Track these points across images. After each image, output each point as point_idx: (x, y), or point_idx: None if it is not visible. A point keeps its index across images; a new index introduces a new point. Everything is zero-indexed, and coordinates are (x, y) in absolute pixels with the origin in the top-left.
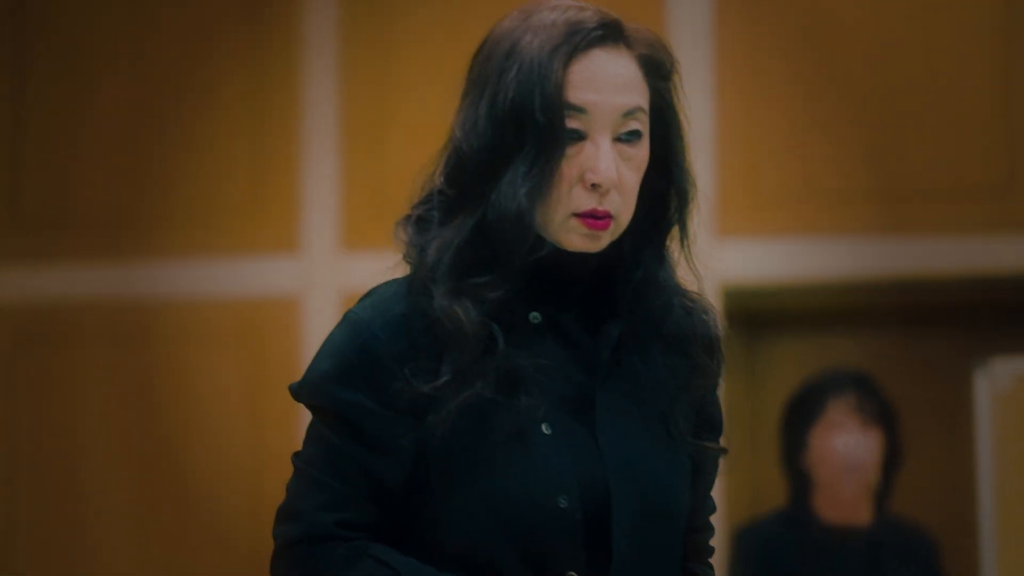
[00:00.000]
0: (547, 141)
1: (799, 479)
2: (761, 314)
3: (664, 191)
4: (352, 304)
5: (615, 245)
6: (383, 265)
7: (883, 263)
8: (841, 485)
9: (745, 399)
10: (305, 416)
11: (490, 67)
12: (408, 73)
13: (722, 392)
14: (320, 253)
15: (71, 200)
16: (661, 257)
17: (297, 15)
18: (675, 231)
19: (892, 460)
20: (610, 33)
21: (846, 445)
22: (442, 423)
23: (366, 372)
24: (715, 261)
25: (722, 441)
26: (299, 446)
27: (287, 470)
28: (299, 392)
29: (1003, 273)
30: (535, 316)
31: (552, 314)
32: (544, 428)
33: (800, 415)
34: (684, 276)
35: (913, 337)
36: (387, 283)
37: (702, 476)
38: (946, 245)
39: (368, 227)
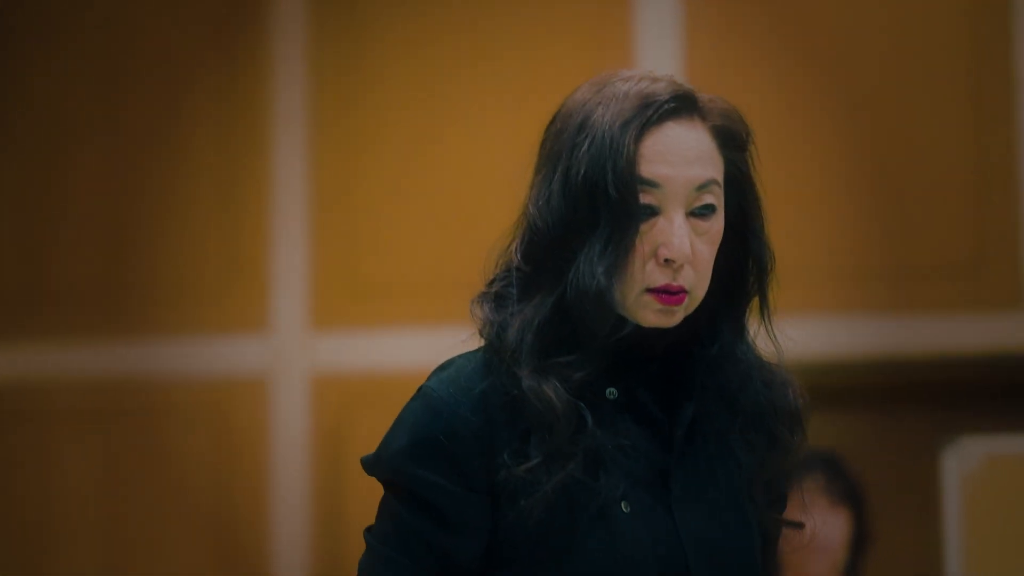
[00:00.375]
0: (621, 217)
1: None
2: None
3: (742, 262)
4: (323, 383)
5: (691, 319)
6: (352, 344)
7: (853, 342)
8: (809, 565)
9: None
10: (277, 500)
11: (562, 141)
12: (379, 152)
13: None
14: (289, 332)
15: (40, 278)
16: (739, 330)
17: (268, 90)
18: (755, 303)
19: (860, 540)
20: (683, 105)
21: (814, 525)
22: (537, 506)
23: (444, 450)
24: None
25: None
26: (268, 526)
27: (256, 550)
28: (373, 466)
29: (972, 352)
30: (612, 392)
31: (629, 390)
32: (624, 507)
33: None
34: (764, 348)
35: (882, 416)
36: (463, 357)
37: (772, 547)
38: (916, 324)
39: (337, 306)
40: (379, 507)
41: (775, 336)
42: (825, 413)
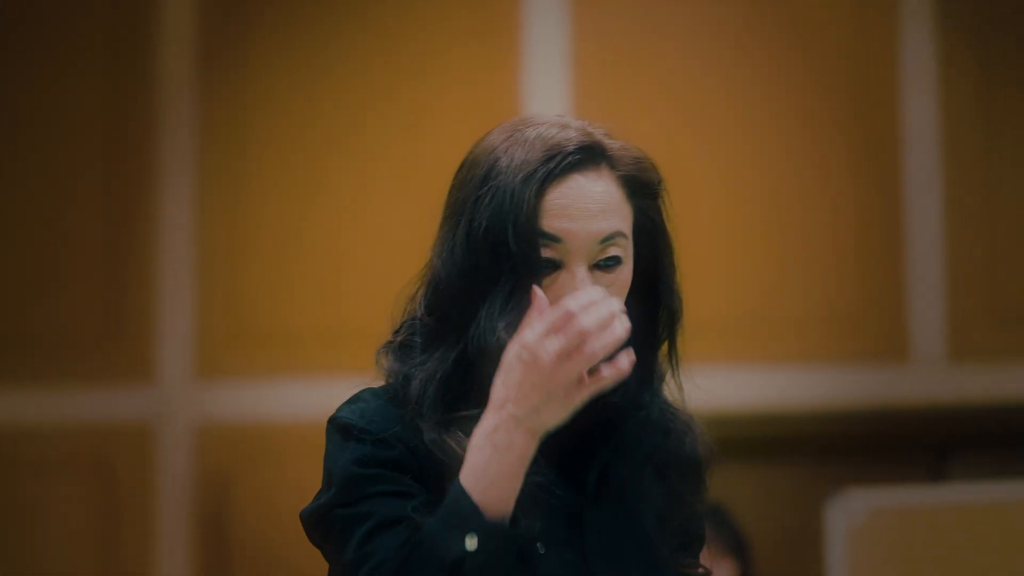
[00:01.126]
0: (523, 272)
1: None
2: None
3: (652, 310)
4: (208, 433)
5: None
6: (238, 393)
7: (739, 394)
8: None
9: None
10: (162, 550)
11: (467, 191)
12: (265, 201)
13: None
14: (174, 382)
15: None
16: (645, 377)
17: (155, 137)
18: (664, 349)
19: None
20: (590, 155)
21: None
22: None
23: (385, 461)
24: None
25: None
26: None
27: None
28: (314, 511)
29: (858, 405)
30: None
31: None
32: (539, 547)
33: None
34: (672, 396)
35: (768, 468)
36: (370, 393)
37: None
38: (802, 376)
39: (223, 356)
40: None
41: (681, 384)
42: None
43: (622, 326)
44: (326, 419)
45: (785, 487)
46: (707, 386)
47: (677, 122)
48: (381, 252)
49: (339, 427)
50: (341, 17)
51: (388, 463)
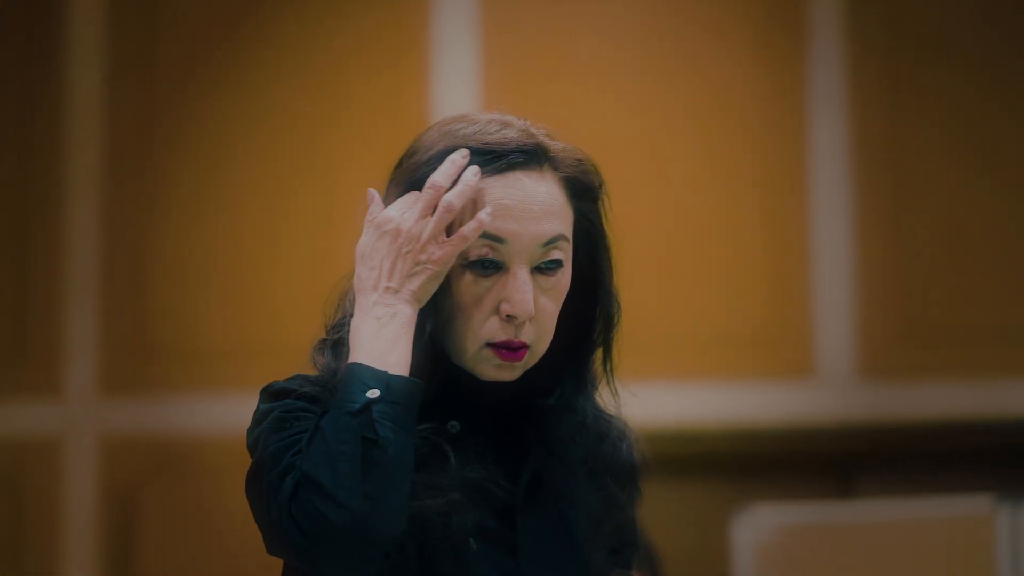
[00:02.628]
0: (453, 268)
1: None
2: None
3: (589, 313)
4: (114, 448)
5: (534, 367)
6: (144, 409)
7: (645, 411)
8: None
9: None
10: (67, 565)
11: (400, 185)
12: (170, 217)
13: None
14: (80, 397)
15: None
16: (580, 382)
17: (62, 154)
18: (598, 354)
19: None
20: (533, 156)
21: None
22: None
23: (314, 408)
24: None
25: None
26: None
27: None
28: (251, 467)
29: (765, 422)
30: (453, 425)
31: (472, 428)
32: (472, 543)
33: None
34: (605, 400)
35: (676, 485)
36: (303, 377)
37: None
38: (709, 393)
39: (129, 371)
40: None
41: (616, 389)
42: None
43: (472, 173)
44: (231, 434)
45: (694, 503)
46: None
47: (579, 142)
48: (287, 269)
49: (273, 391)
50: (249, 27)
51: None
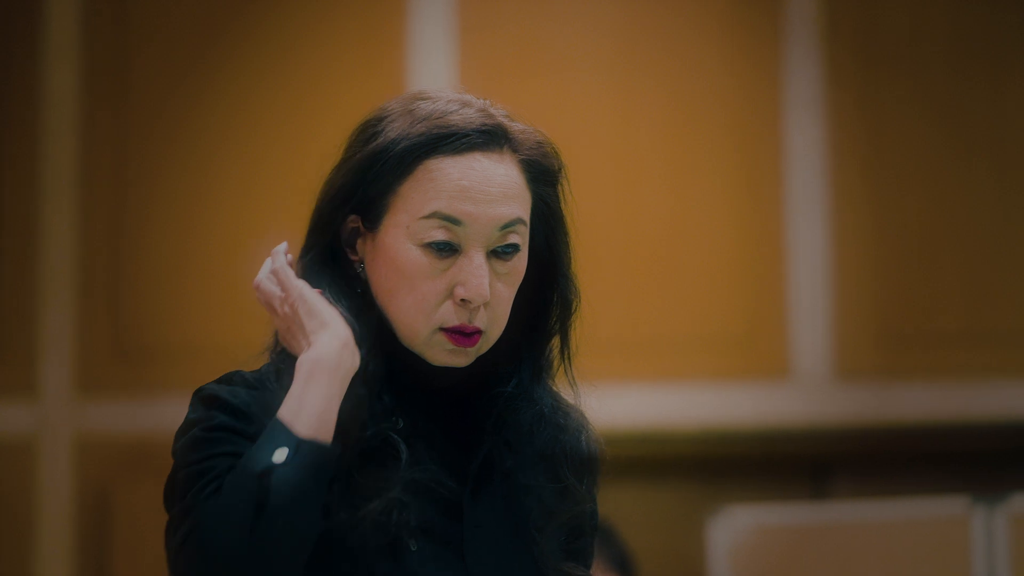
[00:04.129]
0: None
1: None
2: None
3: (547, 300)
4: (89, 448)
5: (485, 356)
6: (119, 409)
7: (622, 412)
8: None
9: None
10: (42, 565)
11: (348, 152)
12: (148, 216)
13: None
14: (55, 397)
15: None
16: (538, 370)
17: (38, 152)
18: (555, 341)
19: None
20: (493, 138)
21: None
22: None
23: (239, 426)
24: None
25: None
26: None
27: None
28: (167, 480)
29: (741, 424)
30: (398, 421)
31: (418, 422)
32: (412, 545)
33: None
34: (562, 389)
35: (651, 487)
36: (240, 376)
37: None
38: (685, 395)
39: (104, 371)
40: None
41: (574, 378)
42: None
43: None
44: None
45: (669, 505)
46: (597, 399)
47: (555, 141)
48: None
49: (204, 397)
50: (228, 29)
51: (244, 434)
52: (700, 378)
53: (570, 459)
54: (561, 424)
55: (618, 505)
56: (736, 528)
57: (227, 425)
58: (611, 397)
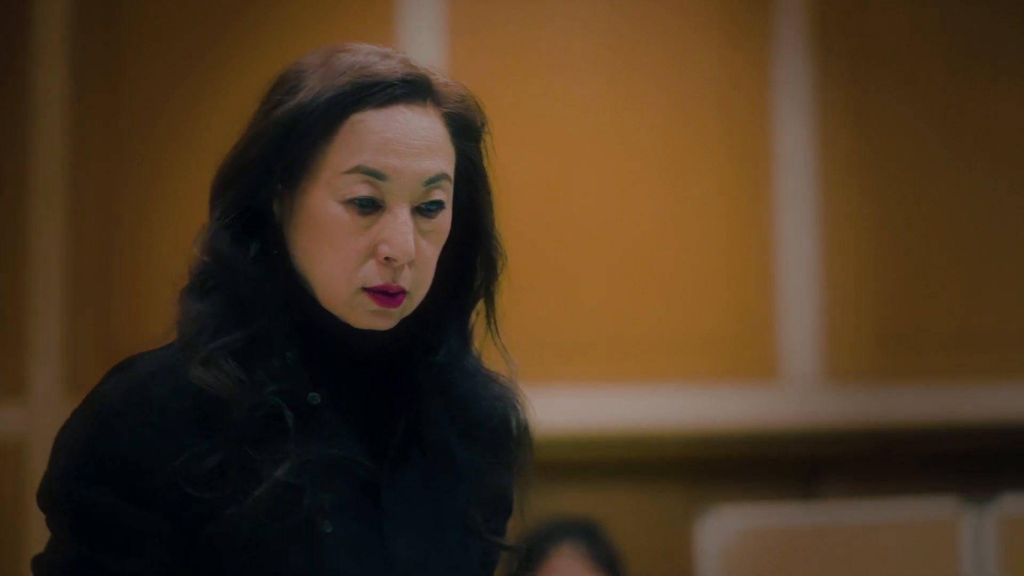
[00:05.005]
0: (291, 191)
1: None
2: None
3: (470, 261)
4: None
5: (409, 321)
6: None
7: (611, 414)
8: None
9: None
10: (28, 567)
11: (264, 115)
12: (137, 218)
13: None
14: (45, 398)
15: None
16: (466, 337)
17: (25, 157)
18: (480, 306)
19: None
20: (416, 89)
21: None
22: (231, 523)
23: (113, 465)
24: None
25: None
26: None
27: None
28: (38, 498)
29: (729, 425)
30: (314, 397)
31: (335, 395)
32: (326, 527)
33: (524, 564)
34: (489, 356)
35: (639, 489)
36: (142, 356)
37: (491, 572)
38: (673, 396)
39: (94, 372)
40: (48, 541)
41: (501, 344)
42: (583, 485)
43: None
44: None
45: (659, 506)
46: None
47: (544, 142)
48: None
49: (95, 412)
50: (218, 30)
51: (117, 477)
52: (690, 379)
53: (499, 428)
54: (492, 392)
55: (607, 506)
56: (725, 529)
57: (116, 509)
58: (600, 398)
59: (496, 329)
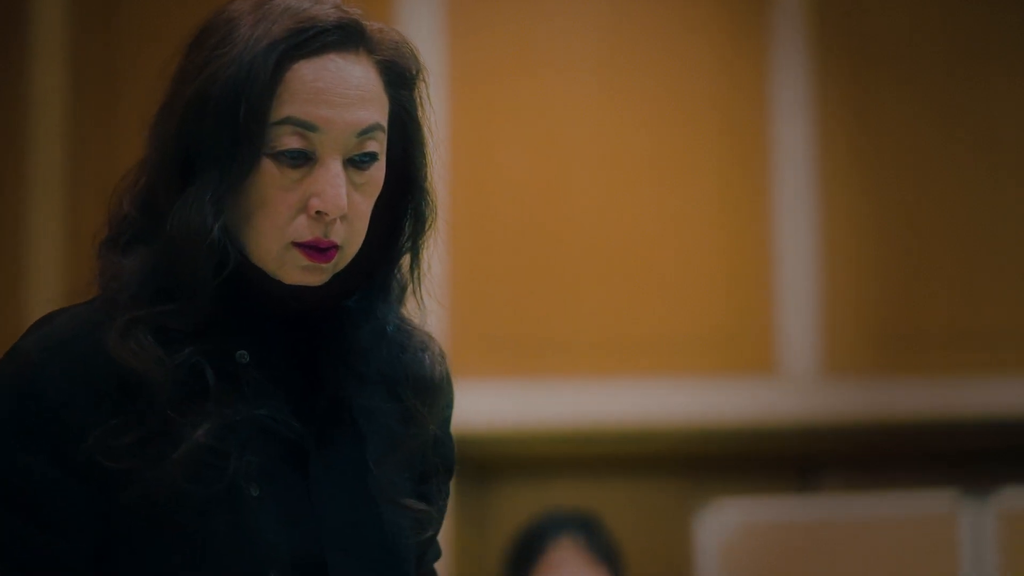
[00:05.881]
0: (246, 151)
1: None
2: (489, 460)
3: (400, 214)
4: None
5: (343, 276)
6: None
7: (610, 409)
8: None
9: (474, 545)
10: None
11: (195, 62)
12: None
13: (452, 512)
14: None
15: None
16: (386, 287)
17: (23, 157)
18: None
19: None
20: (348, 36)
21: None
22: (150, 486)
23: (34, 426)
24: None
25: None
26: None
27: None
28: None
29: (727, 420)
30: (242, 355)
31: (265, 354)
32: (252, 490)
33: (521, 557)
34: (410, 309)
35: (638, 484)
36: (62, 312)
37: (409, 534)
38: (672, 391)
39: None
40: None
41: (422, 297)
42: (582, 480)
43: None
44: None
45: (657, 501)
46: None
47: (544, 141)
48: None
49: (16, 368)
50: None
51: (35, 438)
52: (688, 374)
53: (412, 380)
54: (403, 344)
55: (606, 501)
56: (724, 523)
57: (45, 481)
58: (600, 394)
59: (418, 282)
